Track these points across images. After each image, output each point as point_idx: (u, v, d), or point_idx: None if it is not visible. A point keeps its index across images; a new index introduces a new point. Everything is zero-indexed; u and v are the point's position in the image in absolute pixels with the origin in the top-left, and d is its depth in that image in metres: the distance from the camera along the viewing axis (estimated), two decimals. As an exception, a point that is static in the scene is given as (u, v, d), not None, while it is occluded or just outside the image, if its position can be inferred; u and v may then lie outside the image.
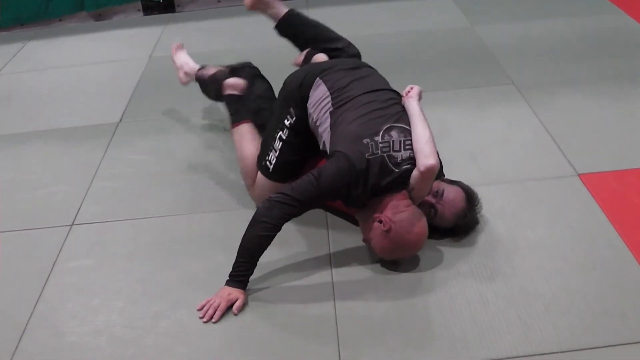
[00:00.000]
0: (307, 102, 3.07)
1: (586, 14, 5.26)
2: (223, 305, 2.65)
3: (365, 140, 2.76)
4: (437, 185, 2.88)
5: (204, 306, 2.68)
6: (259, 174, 3.20)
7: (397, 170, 2.74)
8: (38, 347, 2.58)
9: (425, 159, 2.70)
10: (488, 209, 3.05)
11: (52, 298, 2.83)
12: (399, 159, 2.76)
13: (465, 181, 3.00)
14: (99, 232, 3.21)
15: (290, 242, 3.01)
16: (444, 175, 3.05)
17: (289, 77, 3.24)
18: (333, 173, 2.72)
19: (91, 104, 4.49)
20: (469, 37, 5.06)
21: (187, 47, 5.27)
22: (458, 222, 2.90)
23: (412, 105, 2.89)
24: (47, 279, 2.92)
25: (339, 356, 2.43)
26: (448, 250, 2.90)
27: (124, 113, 4.30)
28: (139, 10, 6.22)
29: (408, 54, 4.84)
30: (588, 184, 3.22)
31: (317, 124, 3.00)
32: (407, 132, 2.81)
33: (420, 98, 2.94)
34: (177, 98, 4.36)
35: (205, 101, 4.00)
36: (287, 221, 2.70)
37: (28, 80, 4.98)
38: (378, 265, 2.85)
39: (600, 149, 3.51)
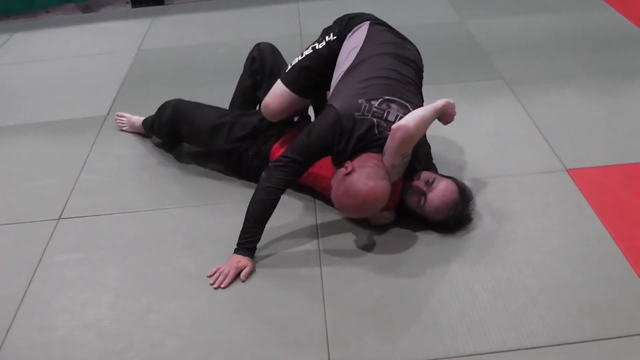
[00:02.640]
0: (347, 33, 3.15)
1: (575, 10, 5.27)
2: (232, 273, 2.75)
3: (360, 101, 2.82)
4: (429, 175, 2.89)
5: (214, 273, 2.77)
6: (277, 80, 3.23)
7: (378, 135, 2.79)
8: (25, 342, 2.57)
9: (401, 120, 2.74)
10: (477, 202, 3.05)
11: (40, 292, 2.81)
12: (387, 129, 2.78)
13: (454, 175, 3.01)
14: (87, 225, 3.19)
15: (278, 238, 3.01)
16: (437, 171, 3.06)
17: (347, 14, 3.32)
18: (321, 127, 2.85)
19: (79, 96, 4.47)
20: (458, 31, 5.06)
21: (175, 40, 5.29)
22: (448, 214, 2.87)
23: (437, 101, 2.91)
24: (34, 273, 2.90)
25: (329, 354, 2.43)
26: (437, 243, 2.91)
27: (111, 106, 4.28)
28: (127, 2, 6.20)
29: (397, 47, 4.83)
30: (576, 179, 3.23)
31: (339, 63, 3.09)
32: (408, 111, 2.83)
33: (449, 109, 2.96)
34: (165, 91, 4.34)
35: (193, 94, 3.98)
36: (289, 182, 2.84)
37: (14, 73, 4.95)
38: (368, 259, 2.85)
39: (588, 144, 3.52)
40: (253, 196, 2.82)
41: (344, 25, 3.19)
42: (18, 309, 2.72)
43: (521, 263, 2.76)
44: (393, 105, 2.83)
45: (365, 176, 2.68)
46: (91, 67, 4.93)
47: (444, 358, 2.38)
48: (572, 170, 3.30)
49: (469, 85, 4.23)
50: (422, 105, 2.92)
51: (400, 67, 3.01)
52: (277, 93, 3.18)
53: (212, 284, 2.74)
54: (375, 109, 2.80)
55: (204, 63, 4.80)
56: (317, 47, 3.18)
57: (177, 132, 3.46)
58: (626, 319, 2.47)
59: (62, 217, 3.25)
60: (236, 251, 2.81)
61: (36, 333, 2.60)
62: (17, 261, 2.99)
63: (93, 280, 2.85)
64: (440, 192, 2.84)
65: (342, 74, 3.00)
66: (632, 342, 2.38)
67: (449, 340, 2.43)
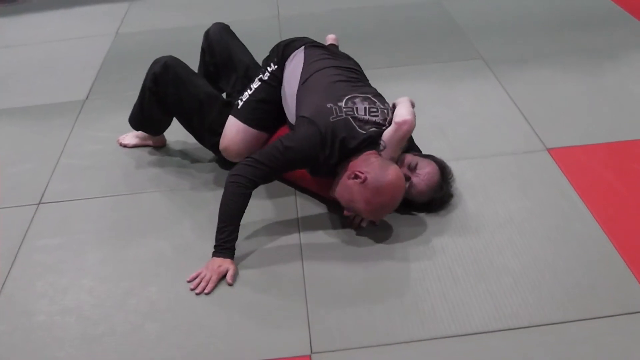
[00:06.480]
0: (286, 60, 3.16)
1: (555, -11, 5.26)
2: (215, 278, 2.66)
3: (329, 105, 2.82)
4: (411, 158, 2.89)
5: (194, 278, 2.69)
6: (229, 119, 3.17)
7: (363, 132, 2.78)
8: (6, 327, 2.56)
9: (401, 114, 2.79)
10: (458, 183, 3.05)
11: (20, 277, 2.79)
12: (364, 121, 2.81)
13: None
14: (67, 210, 3.17)
15: (259, 225, 3.01)
16: (419, 150, 3.06)
17: (281, 41, 3.34)
18: (300, 138, 2.77)
19: (57, 81, 4.43)
20: (437, 11, 5.04)
21: (153, 24, 5.24)
22: (433, 196, 2.90)
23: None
24: (14, 258, 2.89)
25: (310, 338, 2.43)
26: (418, 226, 2.91)
27: (90, 90, 4.24)
28: (104, -15, 6.12)
29: (376, 28, 4.81)
30: (557, 159, 3.24)
31: (286, 86, 3.08)
32: (373, 102, 2.88)
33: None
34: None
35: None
36: (256, 183, 2.74)
37: (-7, 57, 4.91)
38: (348, 241, 2.85)
39: (568, 123, 3.53)
40: (223, 193, 2.73)
41: (281, 53, 3.20)
42: (-2, 294, 2.71)
43: (503, 245, 2.77)
44: (357, 100, 2.88)
45: (379, 168, 2.69)
46: (69, 51, 4.89)
47: (426, 340, 2.38)
48: (553, 149, 3.31)
49: (448, 66, 4.22)
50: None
51: (345, 73, 3.07)
52: (234, 132, 3.12)
53: (192, 289, 2.65)
54: (344, 108, 2.82)
55: (182, 46, 4.74)
56: (264, 79, 3.17)
57: (161, 93, 3.22)
58: (608, 299, 2.48)
59: (42, 202, 3.23)
60: (215, 254, 2.72)
61: (17, 318, 2.59)
62: (-4, 247, 2.97)
63: (73, 265, 2.84)
64: (425, 176, 2.85)
65: (296, 92, 3.01)
66: (614, 322, 2.39)
67: (431, 323, 2.44)
